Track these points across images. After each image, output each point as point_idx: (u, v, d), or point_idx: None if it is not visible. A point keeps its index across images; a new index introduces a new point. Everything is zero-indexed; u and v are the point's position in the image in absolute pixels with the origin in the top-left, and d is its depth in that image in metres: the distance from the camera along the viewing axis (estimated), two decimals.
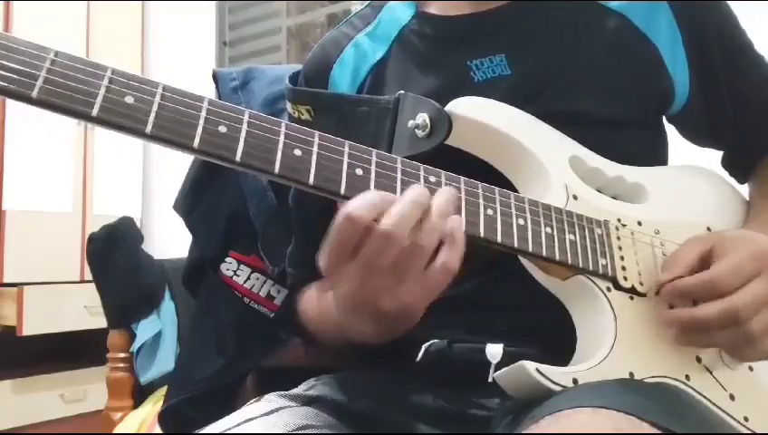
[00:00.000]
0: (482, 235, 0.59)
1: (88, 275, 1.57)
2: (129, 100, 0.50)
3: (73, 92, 0.48)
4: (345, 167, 0.55)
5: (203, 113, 0.52)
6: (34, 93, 0.47)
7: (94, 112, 0.48)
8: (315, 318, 0.74)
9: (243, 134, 0.52)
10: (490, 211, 0.60)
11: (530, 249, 0.60)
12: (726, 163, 0.86)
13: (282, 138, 0.54)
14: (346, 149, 0.56)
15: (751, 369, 0.66)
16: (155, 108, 0.50)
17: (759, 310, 0.58)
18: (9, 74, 0.47)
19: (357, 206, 0.52)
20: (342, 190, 0.55)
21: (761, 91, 0.79)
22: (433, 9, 0.80)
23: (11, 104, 2.44)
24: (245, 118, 0.53)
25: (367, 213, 0.52)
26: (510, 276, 0.65)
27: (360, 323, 0.59)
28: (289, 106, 0.78)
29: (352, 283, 0.54)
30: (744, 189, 0.83)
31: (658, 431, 0.45)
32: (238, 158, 0.52)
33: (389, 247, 0.52)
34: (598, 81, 0.72)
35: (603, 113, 0.72)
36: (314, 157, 0.54)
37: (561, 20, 0.75)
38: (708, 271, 0.60)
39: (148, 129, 0.50)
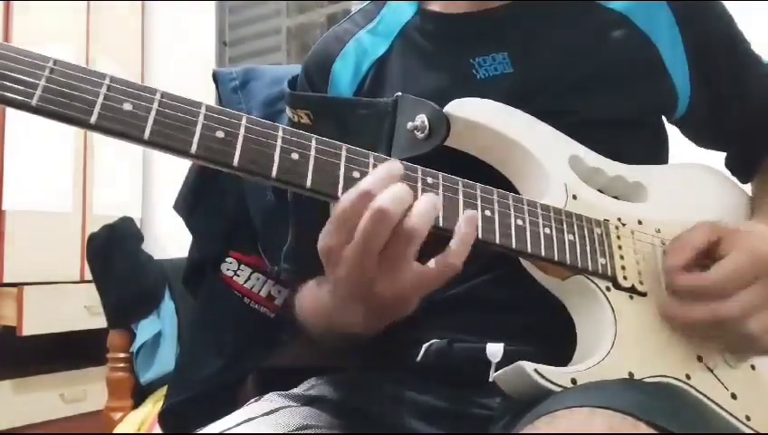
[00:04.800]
0: (480, 236, 0.59)
1: (88, 275, 1.57)
2: (127, 106, 0.50)
3: (72, 100, 0.49)
4: (342, 170, 0.56)
5: (200, 119, 0.52)
6: (34, 102, 0.48)
7: (93, 120, 0.49)
8: (310, 313, 0.75)
9: (240, 139, 0.53)
10: (488, 212, 0.60)
11: (528, 250, 0.60)
12: (729, 163, 0.86)
13: (279, 142, 0.54)
14: (343, 153, 0.56)
15: (753, 368, 0.66)
16: (153, 114, 0.51)
17: (753, 313, 0.59)
18: (8, 83, 0.48)
19: (369, 184, 0.53)
20: (339, 193, 0.55)
21: (761, 90, 0.80)
22: (435, 7, 0.80)
23: None
24: (243, 123, 0.53)
25: (378, 191, 0.53)
26: (510, 276, 0.65)
27: (352, 311, 0.60)
28: (288, 111, 0.78)
29: (349, 265, 0.54)
30: (747, 188, 0.83)
31: (656, 432, 0.45)
32: (236, 163, 0.52)
33: (382, 224, 0.52)
34: (600, 81, 0.72)
35: (604, 113, 0.72)
36: (311, 160, 0.55)
37: (563, 20, 0.75)
38: (707, 274, 0.61)
39: (146, 135, 0.50)
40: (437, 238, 0.58)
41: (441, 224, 0.57)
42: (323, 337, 0.73)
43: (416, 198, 0.54)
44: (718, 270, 0.60)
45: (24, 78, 0.48)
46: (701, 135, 0.85)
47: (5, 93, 0.47)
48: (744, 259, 0.61)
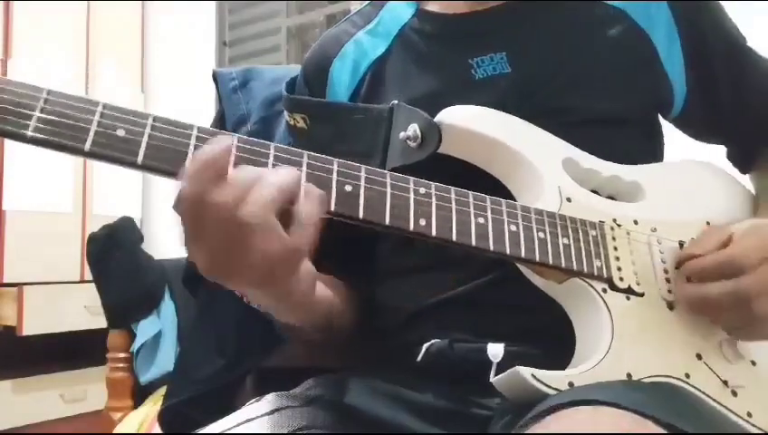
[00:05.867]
0: (473, 244, 0.59)
1: (88, 275, 1.57)
2: (120, 133, 0.51)
3: (67, 129, 0.50)
4: (334, 184, 0.56)
5: (192, 141, 0.53)
6: (29, 133, 0.49)
7: (87, 147, 0.50)
8: None
9: (232, 159, 0.53)
10: (481, 220, 0.60)
11: (522, 255, 0.60)
12: (730, 155, 0.86)
13: (271, 160, 0.55)
14: (335, 167, 0.57)
15: (754, 364, 0.65)
16: (145, 139, 0.52)
17: (764, 293, 0.60)
18: (4, 116, 0.49)
19: (186, 179, 0.49)
20: (333, 207, 0.55)
21: (758, 84, 0.80)
22: (433, 7, 0.80)
23: None
24: (234, 143, 0.54)
25: (196, 187, 0.49)
26: (511, 277, 0.65)
27: (254, 294, 0.57)
28: (286, 114, 0.78)
29: (202, 258, 0.51)
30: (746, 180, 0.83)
31: (661, 429, 0.45)
32: None
33: (219, 224, 0.49)
34: (597, 78, 0.72)
35: (602, 111, 0.72)
36: (303, 176, 0.55)
37: (561, 18, 0.75)
38: (725, 250, 0.62)
39: (139, 160, 0.51)
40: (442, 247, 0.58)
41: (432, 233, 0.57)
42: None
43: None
44: (735, 246, 0.62)
45: (19, 110, 0.49)
46: (699, 131, 0.85)
47: (1, 126, 0.49)
48: (755, 240, 0.62)
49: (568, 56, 0.73)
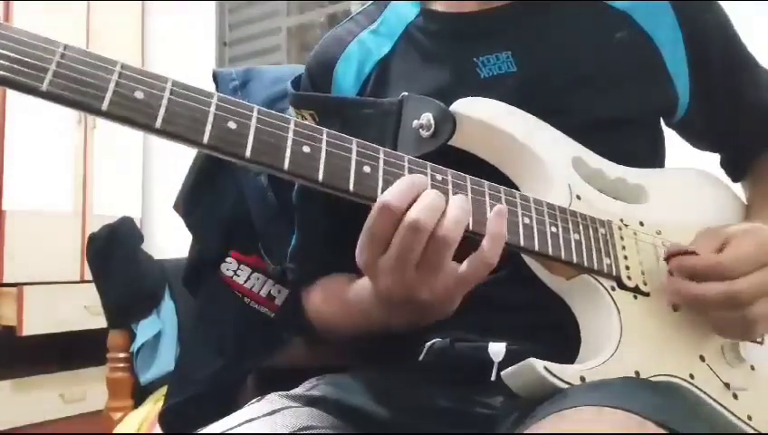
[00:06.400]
0: None
1: (88, 275, 1.57)
2: (138, 95, 0.49)
3: (83, 86, 0.48)
4: (353, 164, 0.55)
5: (212, 109, 0.51)
6: (44, 86, 0.47)
7: (104, 107, 0.48)
8: (330, 310, 0.74)
9: (252, 130, 0.52)
10: None
11: (536, 248, 0.60)
12: (724, 163, 0.86)
13: (291, 134, 0.54)
14: (354, 147, 0.56)
15: (752, 368, 0.66)
16: (164, 103, 0.50)
17: (758, 298, 0.60)
18: (18, 66, 0.46)
19: (391, 195, 0.54)
20: (351, 187, 0.55)
21: (754, 92, 0.80)
22: (438, 7, 0.80)
23: (11, 104, 2.44)
24: (254, 114, 0.53)
25: (399, 202, 0.54)
26: (511, 276, 0.65)
27: (398, 315, 0.61)
28: (292, 111, 0.78)
29: (390, 277, 0.56)
30: (738, 188, 0.84)
31: (662, 431, 0.45)
32: (248, 154, 0.52)
33: (417, 238, 0.54)
34: (602, 80, 0.72)
35: (606, 112, 0.72)
36: (323, 154, 0.54)
37: (566, 19, 0.75)
38: (717, 255, 0.62)
39: (158, 124, 0.49)
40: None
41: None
42: (347, 331, 0.73)
43: (446, 201, 0.55)
44: (727, 252, 0.62)
45: (35, 61, 0.47)
46: (698, 137, 0.85)
47: (15, 77, 0.46)
48: (752, 245, 0.62)
49: (573, 57, 0.73)
